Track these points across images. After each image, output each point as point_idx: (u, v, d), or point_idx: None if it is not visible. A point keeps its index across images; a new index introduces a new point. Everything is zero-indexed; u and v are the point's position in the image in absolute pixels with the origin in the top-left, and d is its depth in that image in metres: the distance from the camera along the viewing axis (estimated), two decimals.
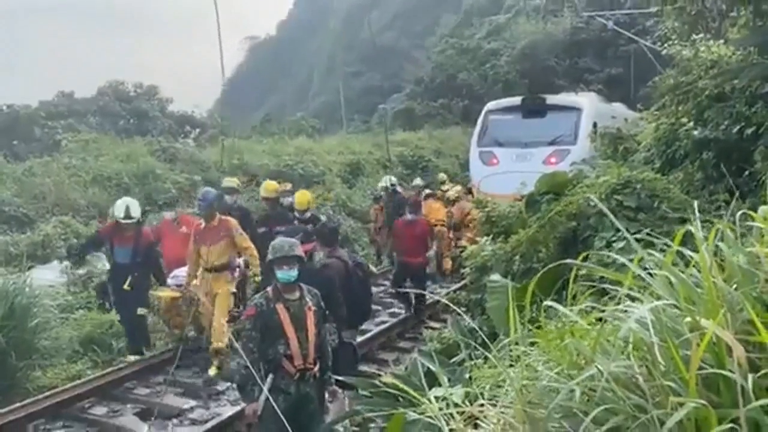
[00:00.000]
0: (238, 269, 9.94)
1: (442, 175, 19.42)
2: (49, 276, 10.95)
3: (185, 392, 8.71)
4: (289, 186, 14.51)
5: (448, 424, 2.19)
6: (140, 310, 9.64)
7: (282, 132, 32.76)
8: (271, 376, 5.63)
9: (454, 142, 31.25)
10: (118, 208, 9.66)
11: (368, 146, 28.77)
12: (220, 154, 23.48)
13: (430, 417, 2.28)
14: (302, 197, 11.75)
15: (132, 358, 9.45)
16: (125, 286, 9.46)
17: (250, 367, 5.27)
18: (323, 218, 13.00)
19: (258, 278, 9.38)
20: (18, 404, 7.76)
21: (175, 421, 7.92)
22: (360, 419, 5.42)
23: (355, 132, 38.26)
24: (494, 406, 2.17)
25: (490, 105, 20.83)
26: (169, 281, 9.96)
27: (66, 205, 16.37)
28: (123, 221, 9.57)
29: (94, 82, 41.18)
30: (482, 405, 2.18)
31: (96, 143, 22.98)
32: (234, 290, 9.58)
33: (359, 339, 9.15)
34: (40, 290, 9.41)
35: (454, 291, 11.41)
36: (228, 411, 7.96)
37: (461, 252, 12.62)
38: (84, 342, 9.68)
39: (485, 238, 7.80)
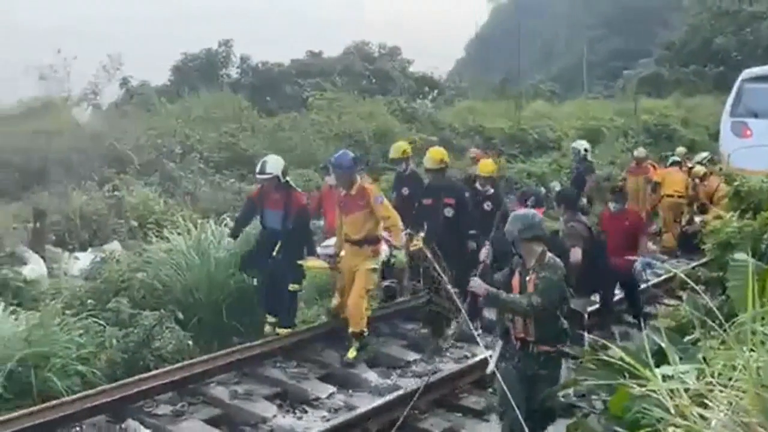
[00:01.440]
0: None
1: (681, 149, 18.03)
2: None
3: (410, 345, 8.95)
4: (474, 152, 13.33)
5: (673, 402, 2.08)
6: (292, 287, 8.67)
7: (519, 95, 32.39)
8: (500, 342, 5.66)
9: (704, 112, 29.32)
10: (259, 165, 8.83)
11: (609, 113, 27.74)
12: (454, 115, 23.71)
13: (654, 392, 2.18)
14: (487, 167, 10.47)
15: (282, 331, 8.67)
16: (274, 253, 8.61)
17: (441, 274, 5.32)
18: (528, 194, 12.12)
19: (397, 256, 8.86)
20: (258, 342, 8.35)
21: (398, 371, 8.18)
22: (583, 390, 5.30)
23: (597, 97, 37.03)
24: (725, 387, 2.03)
25: (747, 72, 19.29)
26: (320, 251, 9.14)
27: (309, 158, 17.28)
28: (258, 176, 8.82)
29: (341, 41, 42.71)
30: (710, 384, 2.05)
31: (340, 102, 23.95)
32: (375, 266, 8.62)
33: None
34: None
35: (693, 267, 10.79)
36: (451, 367, 8.08)
37: (702, 228, 11.83)
38: (320, 289, 10.14)
39: (731, 213, 7.29)
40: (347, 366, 8.10)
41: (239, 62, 36.00)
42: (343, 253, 8.76)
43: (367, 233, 8.47)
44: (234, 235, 9.11)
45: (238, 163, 16.76)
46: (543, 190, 16.35)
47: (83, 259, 10.34)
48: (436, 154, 9.64)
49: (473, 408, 7.17)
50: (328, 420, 6.76)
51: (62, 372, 6.85)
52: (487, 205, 9.87)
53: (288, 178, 8.83)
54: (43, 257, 9.94)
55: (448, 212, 9.19)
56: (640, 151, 16.94)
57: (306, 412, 7.06)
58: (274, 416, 6.82)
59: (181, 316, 8.32)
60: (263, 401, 7.11)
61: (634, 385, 2.49)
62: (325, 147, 18.34)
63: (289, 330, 8.71)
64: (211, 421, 6.58)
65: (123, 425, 6.42)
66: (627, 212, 9.95)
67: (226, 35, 36.16)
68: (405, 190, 10.42)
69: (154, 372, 7.31)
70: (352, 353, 8.22)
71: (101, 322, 7.78)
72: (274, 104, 30.25)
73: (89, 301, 8.26)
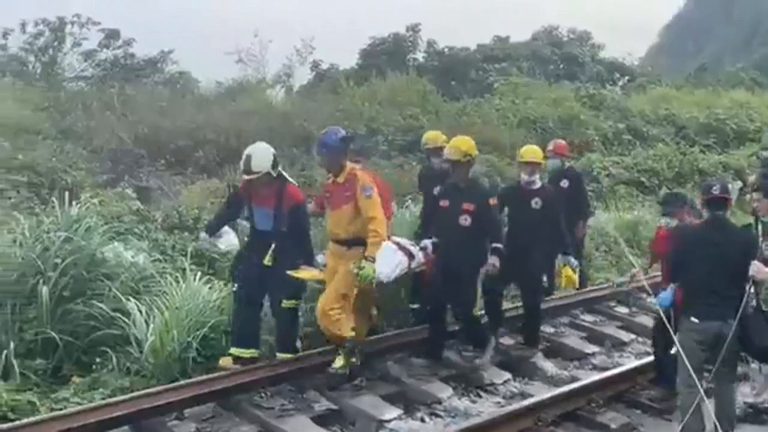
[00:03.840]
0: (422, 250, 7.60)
1: None
2: None
3: (589, 338, 8.75)
4: (554, 144, 10.37)
5: None
6: (286, 303, 7.06)
7: (717, 83, 30.75)
8: None
9: None
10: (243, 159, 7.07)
11: None
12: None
13: None
14: (530, 152, 8.34)
15: (225, 360, 7.00)
16: (266, 261, 6.96)
17: None
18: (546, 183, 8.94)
19: (367, 268, 6.72)
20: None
21: (576, 363, 8.02)
22: None
23: None
24: None
25: None
26: (320, 259, 7.43)
27: (492, 144, 17.20)
28: (244, 176, 7.06)
29: (529, 26, 42.32)
30: None
31: (526, 87, 23.69)
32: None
33: None
34: None
35: None
36: (631, 363, 7.83)
37: None
38: None
39: None
40: (523, 354, 8.00)
41: (426, 46, 36.35)
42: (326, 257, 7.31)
43: (357, 232, 6.91)
44: (208, 230, 7.87)
45: (420, 146, 16.95)
46: (740, 183, 15.35)
47: None
48: (461, 142, 7.65)
49: (653, 405, 6.90)
50: (502, 406, 6.74)
51: None
52: (536, 203, 8.05)
53: (280, 169, 7.14)
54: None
55: (464, 220, 7.38)
56: None
57: (480, 396, 7.05)
58: (449, 397, 6.85)
59: None
60: (438, 382, 7.15)
61: None
62: (509, 132, 18.21)
63: (289, 356, 7.15)
64: (387, 398, 6.68)
65: (304, 395, 6.66)
66: None
67: (414, 19, 36.70)
68: (437, 190, 8.17)
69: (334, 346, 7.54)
70: (338, 362, 6.89)
71: None
72: (458, 89, 30.39)
73: None
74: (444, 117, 19.51)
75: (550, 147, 10.12)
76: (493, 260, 7.30)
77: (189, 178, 14.19)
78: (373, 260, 6.75)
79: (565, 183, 9.72)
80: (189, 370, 6.83)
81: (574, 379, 7.34)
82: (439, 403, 6.75)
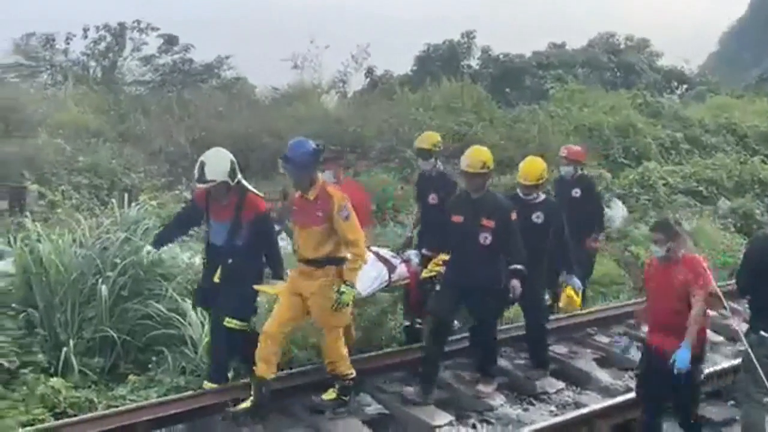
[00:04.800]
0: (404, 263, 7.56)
1: None
2: None
3: None
4: (567, 150, 9.57)
5: None
6: (228, 322, 6.35)
7: None
8: None
9: None
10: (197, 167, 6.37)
11: None
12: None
13: None
14: (530, 168, 7.49)
15: (207, 385, 6.43)
16: (215, 278, 6.44)
17: None
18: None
19: (347, 294, 6.07)
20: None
21: (631, 373, 7.89)
22: None
23: None
24: None
25: None
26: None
27: (545, 151, 17.02)
28: (198, 184, 6.43)
29: (585, 33, 41.92)
30: None
31: (582, 94, 23.47)
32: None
33: None
34: None
35: None
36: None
37: None
38: None
39: None
40: (574, 363, 7.91)
41: (480, 53, 36.26)
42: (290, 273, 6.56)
43: (329, 252, 6.20)
44: (155, 244, 6.98)
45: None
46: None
47: None
48: (480, 153, 6.92)
49: (708, 418, 6.77)
50: (555, 415, 6.67)
51: (301, 343, 7.28)
52: (537, 217, 7.35)
53: (240, 178, 6.46)
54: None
55: (485, 238, 6.74)
56: None
57: (533, 404, 6.99)
58: (501, 405, 6.81)
59: None
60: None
61: None
62: (564, 140, 18.04)
63: (214, 386, 6.43)
64: (440, 404, 6.67)
65: (357, 397, 6.67)
66: (683, 261, 5.68)
67: (468, 26, 36.68)
68: (433, 198, 7.90)
69: (386, 350, 7.58)
70: (329, 394, 6.44)
71: None
72: (513, 96, 30.24)
73: None
74: (498, 124, 19.42)
75: (564, 153, 9.43)
76: (515, 283, 6.70)
77: None
78: (353, 285, 6.17)
79: (577, 192, 9.16)
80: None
81: (628, 390, 7.22)
82: (492, 410, 6.72)
